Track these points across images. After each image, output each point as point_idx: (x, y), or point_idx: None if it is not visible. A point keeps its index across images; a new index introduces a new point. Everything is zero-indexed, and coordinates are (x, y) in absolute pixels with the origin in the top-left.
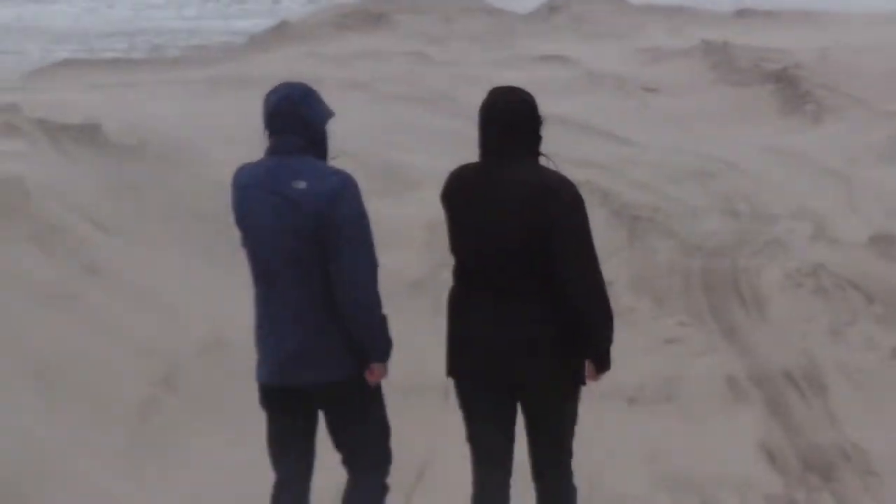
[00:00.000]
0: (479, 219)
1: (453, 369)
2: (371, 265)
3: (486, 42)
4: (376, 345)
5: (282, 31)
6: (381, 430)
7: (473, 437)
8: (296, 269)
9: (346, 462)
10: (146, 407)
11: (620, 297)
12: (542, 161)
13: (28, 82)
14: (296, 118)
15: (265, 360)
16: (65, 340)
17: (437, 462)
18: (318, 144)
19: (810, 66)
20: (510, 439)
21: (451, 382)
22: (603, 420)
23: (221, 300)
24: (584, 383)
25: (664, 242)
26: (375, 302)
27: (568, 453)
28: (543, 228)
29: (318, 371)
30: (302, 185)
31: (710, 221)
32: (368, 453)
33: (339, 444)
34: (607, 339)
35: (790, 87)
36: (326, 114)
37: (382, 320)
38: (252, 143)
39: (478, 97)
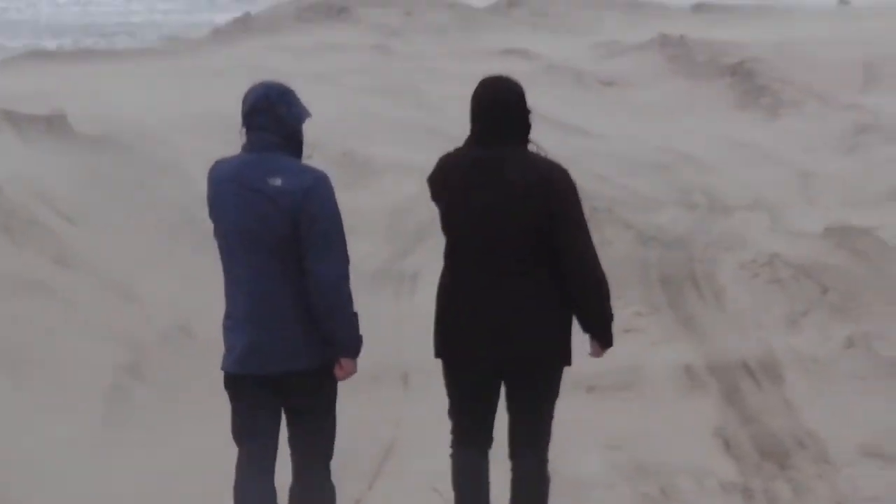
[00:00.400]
0: (478, 204)
1: (445, 349)
2: (343, 263)
3: (447, 35)
4: (347, 341)
5: (245, 24)
6: (334, 425)
7: (457, 415)
8: (267, 263)
9: (298, 454)
10: (113, 394)
11: None
12: (532, 147)
13: None
14: (273, 116)
15: (232, 349)
16: (32, 329)
17: (398, 450)
18: (293, 143)
19: (767, 60)
20: (492, 417)
21: (420, 371)
22: (562, 408)
23: (187, 288)
24: (569, 363)
25: (621, 233)
26: (347, 299)
27: (548, 434)
28: (543, 213)
29: (285, 361)
30: (278, 181)
31: (666, 213)
32: (322, 447)
33: (297, 434)
34: (610, 315)
35: (747, 80)
36: (303, 114)
37: (353, 317)
38: (216, 134)
39: (439, 89)
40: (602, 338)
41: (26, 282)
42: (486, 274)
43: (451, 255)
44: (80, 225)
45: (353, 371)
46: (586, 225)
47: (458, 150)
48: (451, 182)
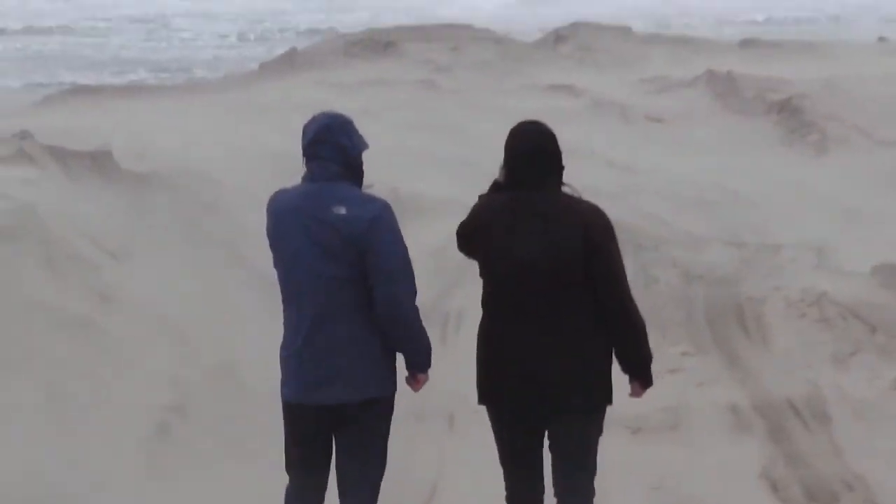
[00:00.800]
0: (521, 250)
1: (488, 395)
2: (410, 288)
3: (493, 70)
4: (419, 356)
5: (291, 60)
6: (385, 455)
7: (508, 460)
8: (328, 293)
9: (346, 483)
10: (158, 433)
11: None
12: (567, 189)
13: (39, 109)
14: (334, 146)
15: (291, 379)
16: (76, 367)
17: (442, 491)
18: (354, 172)
19: (814, 96)
20: (541, 458)
21: (465, 410)
22: (607, 449)
23: (232, 327)
24: (611, 403)
25: (668, 271)
26: (416, 317)
27: (593, 471)
28: (584, 257)
29: (343, 392)
30: (342, 210)
31: (713, 251)
32: (371, 477)
33: (346, 464)
34: (650, 356)
35: (794, 117)
36: (362, 144)
37: (423, 331)
38: (262, 170)
39: (485, 126)
40: (643, 379)
41: (70, 318)
42: (527, 319)
43: (491, 301)
44: (124, 262)
45: (426, 380)
46: (623, 267)
47: (493, 197)
48: (491, 228)
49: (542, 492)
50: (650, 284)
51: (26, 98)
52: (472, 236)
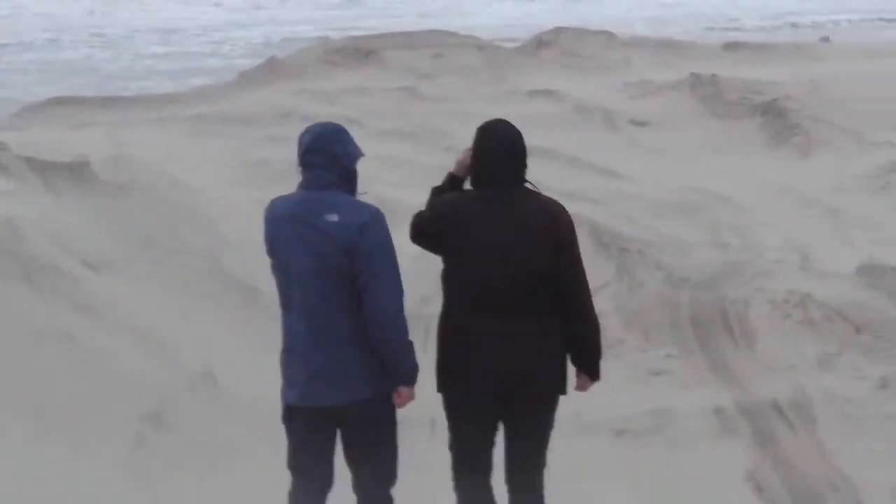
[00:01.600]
0: (489, 245)
1: (448, 384)
2: (398, 295)
3: (475, 77)
4: (404, 370)
5: (271, 68)
6: (395, 450)
7: (459, 447)
8: (325, 297)
9: (360, 477)
10: (138, 443)
11: (609, 329)
12: (530, 186)
13: (16, 121)
14: (328, 155)
15: (293, 382)
16: (57, 378)
17: (425, 495)
18: (348, 180)
19: (799, 98)
20: (492, 450)
21: (438, 412)
22: (591, 452)
23: (213, 336)
24: (565, 393)
25: (652, 275)
26: (403, 330)
27: (544, 462)
28: (551, 252)
29: (345, 392)
30: (335, 217)
31: (698, 254)
32: (383, 472)
33: (357, 460)
34: (601, 351)
35: (778, 119)
36: (357, 152)
37: (409, 346)
38: (242, 180)
39: (468, 132)
40: (593, 372)
41: (49, 330)
42: (495, 314)
43: (457, 293)
44: (103, 273)
45: (411, 398)
46: (583, 264)
47: (462, 194)
48: (459, 226)
49: (489, 471)
50: (635, 288)
51: (2, 110)
52: (440, 230)
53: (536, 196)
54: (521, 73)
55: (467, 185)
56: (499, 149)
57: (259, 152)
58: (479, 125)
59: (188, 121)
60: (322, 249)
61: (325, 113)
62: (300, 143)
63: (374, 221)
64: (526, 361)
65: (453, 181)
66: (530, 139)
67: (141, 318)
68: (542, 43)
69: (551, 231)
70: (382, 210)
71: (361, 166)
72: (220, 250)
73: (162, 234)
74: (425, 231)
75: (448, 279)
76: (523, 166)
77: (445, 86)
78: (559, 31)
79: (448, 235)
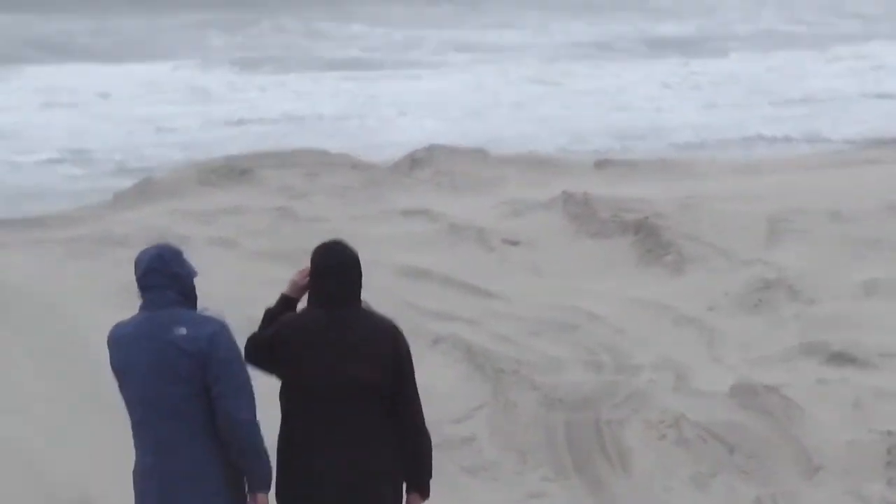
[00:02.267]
0: (330, 365)
1: (288, 496)
2: (252, 403)
3: (350, 196)
4: (260, 478)
5: (145, 189)
6: None
7: None
8: (175, 412)
9: None
10: None
11: (484, 452)
12: (364, 306)
13: None
14: (169, 274)
15: (147, 494)
16: None
17: None
18: (189, 298)
19: (670, 215)
20: None
21: None
22: None
23: (89, 463)
24: None
25: (527, 395)
26: (258, 438)
27: None
28: (391, 370)
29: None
30: (182, 330)
31: (572, 374)
32: None
33: None
34: (431, 471)
35: (650, 238)
36: (193, 271)
37: (265, 454)
38: (117, 304)
39: None
40: (424, 490)
41: None
42: (337, 430)
43: (298, 412)
44: None
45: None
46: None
47: (302, 314)
48: (299, 346)
49: None
50: (510, 409)
51: None
52: (280, 352)
53: (372, 315)
54: (395, 191)
55: (301, 306)
56: (338, 268)
57: (132, 275)
58: (315, 246)
59: (62, 243)
60: (173, 363)
61: (200, 233)
62: (138, 266)
63: (223, 332)
64: (369, 476)
65: (287, 302)
66: (405, 259)
67: (17, 442)
68: (416, 161)
69: (390, 349)
70: (254, 329)
71: (234, 286)
72: (97, 375)
73: (37, 359)
74: (263, 353)
75: (287, 396)
76: (359, 286)
77: (319, 205)
78: (433, 148)
79: (287, 357)
